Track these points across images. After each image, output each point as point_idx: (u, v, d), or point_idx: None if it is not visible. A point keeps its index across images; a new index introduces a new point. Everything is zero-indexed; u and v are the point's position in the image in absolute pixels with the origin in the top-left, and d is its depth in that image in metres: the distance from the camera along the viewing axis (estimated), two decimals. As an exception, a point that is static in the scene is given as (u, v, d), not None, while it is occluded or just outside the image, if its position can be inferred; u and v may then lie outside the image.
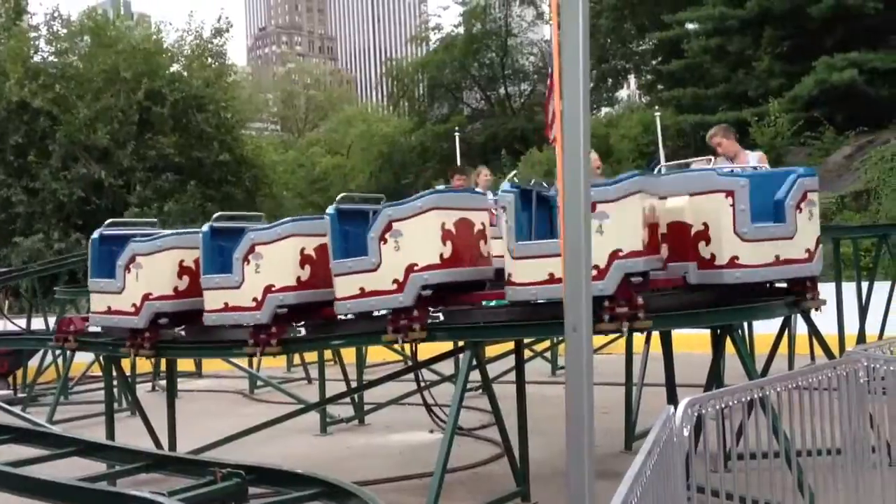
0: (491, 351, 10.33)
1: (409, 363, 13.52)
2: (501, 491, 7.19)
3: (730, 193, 6.45)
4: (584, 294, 3.87)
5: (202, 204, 28.54)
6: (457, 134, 26.76)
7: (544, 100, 20.46)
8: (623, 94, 46.52)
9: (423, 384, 8.91)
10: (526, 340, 10.12)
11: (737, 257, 6.43)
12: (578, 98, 3.86)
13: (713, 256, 6.47)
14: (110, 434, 8.46)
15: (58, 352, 14.00)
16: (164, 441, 8.42)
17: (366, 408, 11.22)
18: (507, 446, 7.24)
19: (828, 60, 25.68)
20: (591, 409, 3.79)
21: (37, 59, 30.38)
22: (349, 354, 11.72)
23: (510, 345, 8.48)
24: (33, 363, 14.93)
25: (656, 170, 8.12)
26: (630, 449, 8.42)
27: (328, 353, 11.80)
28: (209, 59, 32.07)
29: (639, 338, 9.30)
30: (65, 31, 31.02)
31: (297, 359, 15.95)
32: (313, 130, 60.36)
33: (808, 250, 6.71)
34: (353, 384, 11.02)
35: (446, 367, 11.19)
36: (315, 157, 48.17)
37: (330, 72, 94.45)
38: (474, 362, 7.09)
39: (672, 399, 7.39)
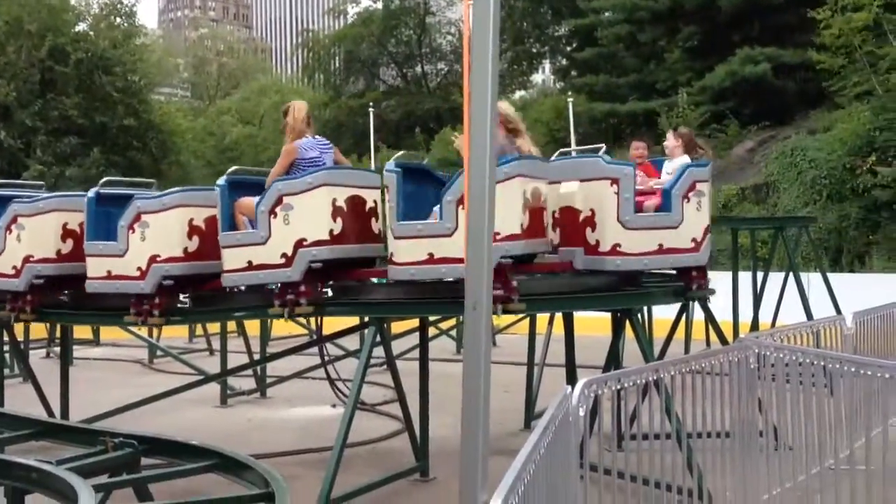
0: (396, 327, 10.35)
1: (314, 337, 13.46)
2: (401, 466, 7.23)
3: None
4: (486, 272, 3.90)
5: (106, 170, 27.69)
6: (371, 110, 26.70)
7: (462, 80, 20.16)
8: (538, 78, 46.95)
9: (326, 358, 8.87)
10: (432, 318, 10.19)
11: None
12: (487, 78, 3.87)
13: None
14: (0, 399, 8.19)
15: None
16: (57, 409, 8.19)
17: (268, 381, 11.10)
18: (408, 422, 7.26)
19: (748, 52, 26.32)
20: (487, 384, 3.83)
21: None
22: (253, 327, 11.59)
23: (415, 322, 8.51)
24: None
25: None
26: (529, 427, 8.55)
27: (231, 325, 11.64)
28: (117, 20, 31.05)
29: (542, 318, 9.46)
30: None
31: (199, 329, 15.69)
32: (225, 98, 59.09)
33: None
34: (257, 356, 10.91)
35: (351, 342, 11.16)
36: (226, 125, 47.19)
37: (244, 39, 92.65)
38: (378, 338, 7.10)
39: (572, 380, 7.52)
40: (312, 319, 10.43)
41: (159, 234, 7.01)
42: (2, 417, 5.83)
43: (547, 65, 44.50)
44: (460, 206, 5.95)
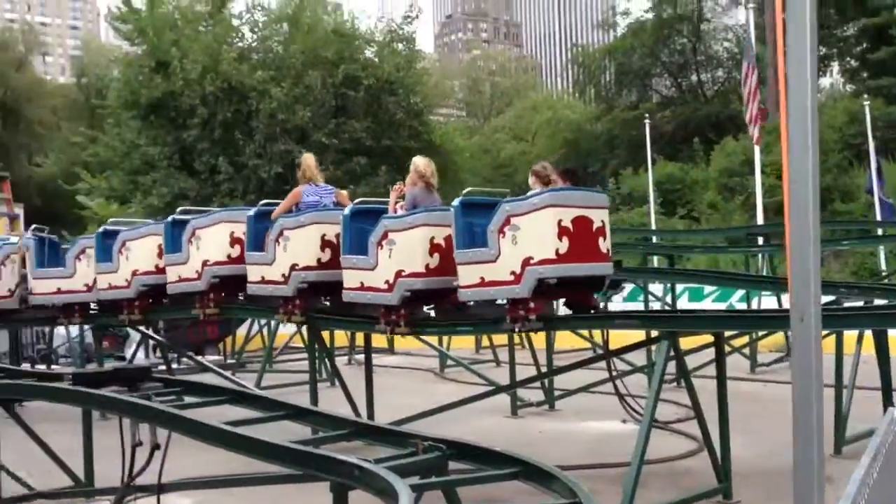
0: (684, 343, 10.05)
1: (598, 351, 13.40)
2: (700, 487, 6.97)
3: None
4: (813, 280, 3.64)
5: (392, 188, 29.15)
6: (647, 121, 26.25)
7: (742, 87, 19.37)
8: (825, 81, 44.04)
9: (614, 373, 8.81)
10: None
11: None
12: (806, 83, 3.65)
13: None
14: (313, 401, 8.81)
15: (262, 322, 14.79)
16: (362, 412, 8.69)
17: (556, 393, 11.15)
18: (707, 441, 7.00)
19: None
20: (820, 404, 3.59)
21: (241, 45, 31.92)
22: (538, 339, 11.68)
23: (706, 338, 8.22)
24: (241, 332, 15.89)
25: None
26: (839, 453, 7.97)
27: (516, 337, 11.83)
28: (400, 45, 32.69)
29: (850, 337, 8.81)
30: (264, 19, 32.44)
31: (485, 341, 16.11)
32: (498, 116, 60.58)
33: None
34: (542, 369, 10.98)
35: (637, 357, 10.96)
36: (500, 143, 48.31)
37: (515, 58, 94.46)
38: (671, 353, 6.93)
39: (888, 401, 6.95)
40: (598, 334, 10.47)
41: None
42: (321, 417, 6.24)
43: (835, 66, 41.63)
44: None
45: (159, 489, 5.68)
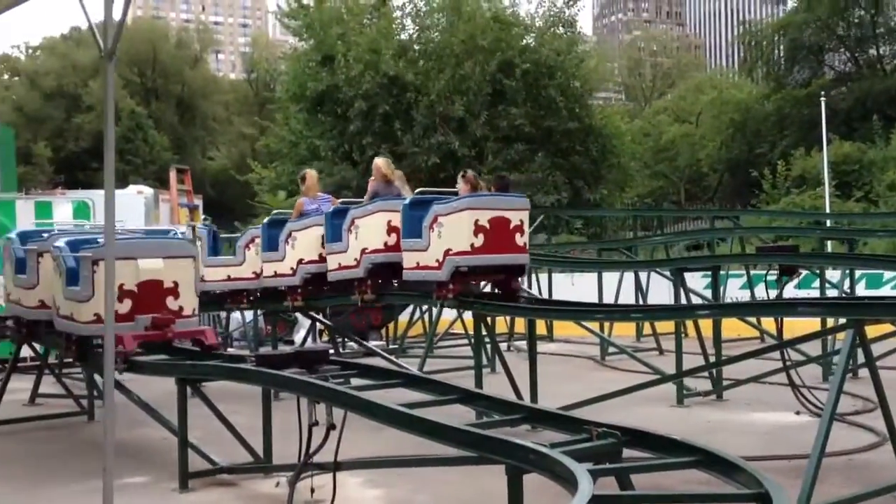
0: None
1: (763, 340, 12.95)
2: (882, 481, 6.64)
3: None
4: None
5: (550, 174, 29.01)
6: (823, 99, 24.96)
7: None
8: None
9: (788, 363, 8.52)
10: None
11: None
12: None
13: None
14: (478, 386, 8.91)
15: (424, 307, 15.09)
16: (524, 398, 8.71)
17: (724, 383, 10.84)
18: (892, 434, 6.65)
19: None
20: None
21: (403, 36, 32.41)
22: (705, 327, 11.39)
23: (886, 327, 7.82)
24: (403, 317, 16.27)
25: None
26: None
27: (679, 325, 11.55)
28: (560, 29, 32.34)
29: None
30: (426, 8, 32.78)
31: (647, 328, 15.84)
32: (660, 98, 59.20)
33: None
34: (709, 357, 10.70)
35: (808, 347, 10.51)
36: (662, 125, 47.21)
37: (677, 37, 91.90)
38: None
39: None
40: (772, 323, 10.18)
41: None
42: (491, 401, 6.31)
43: None
44: None
45: (335, 467, 5.92)
